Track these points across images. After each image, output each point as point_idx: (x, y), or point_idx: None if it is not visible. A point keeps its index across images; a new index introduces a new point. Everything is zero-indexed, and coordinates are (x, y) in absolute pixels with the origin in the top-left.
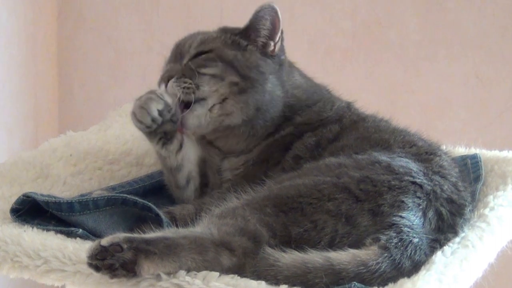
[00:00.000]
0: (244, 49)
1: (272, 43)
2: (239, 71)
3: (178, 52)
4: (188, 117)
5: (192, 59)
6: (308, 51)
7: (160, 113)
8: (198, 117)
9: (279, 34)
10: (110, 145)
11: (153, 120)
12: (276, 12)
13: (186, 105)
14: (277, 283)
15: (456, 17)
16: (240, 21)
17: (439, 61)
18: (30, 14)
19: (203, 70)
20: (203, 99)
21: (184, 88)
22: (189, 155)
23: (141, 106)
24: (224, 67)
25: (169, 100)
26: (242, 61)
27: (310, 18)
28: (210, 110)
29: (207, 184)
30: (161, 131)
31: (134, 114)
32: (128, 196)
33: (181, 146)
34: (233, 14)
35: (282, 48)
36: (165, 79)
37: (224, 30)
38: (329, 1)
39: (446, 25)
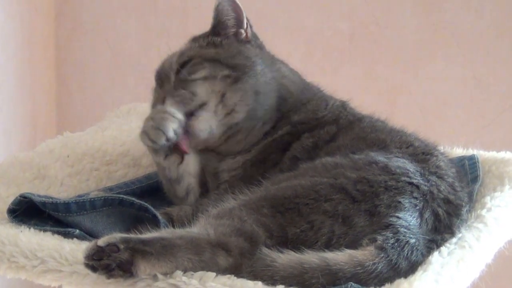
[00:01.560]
0: (220, 45)
1: (242, 31)
2: (226, 64)
3: (162, 76)
4: (196, 124)
5: (178, 73)
6: (306, 52)
7: (175, 131)
8: (207, 122)
9: (245, 20)
10: (107, 146)
11: (168, 139)
12: (233, 1)
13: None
14: (274, 284)
15: (453, 18)
16: None
17: (437, 62)
18: (27, 16)
19: (193, 76)
20: (204, 103)
21: (180, 99)
22: (189, 168)
23: (156, 127)
24: (211, 65)
25: (181, 117)
26: (225, 54)
27: (307, 19)
28: (215, 112)
29: (207, 192)
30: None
31: (146, 134)
32: (125, 196)
33: (182, 158)
34: None
35: (254, 34)
36: (161, 100)
37: (195, 38)
38: (326, 2)
39: (443, 26)
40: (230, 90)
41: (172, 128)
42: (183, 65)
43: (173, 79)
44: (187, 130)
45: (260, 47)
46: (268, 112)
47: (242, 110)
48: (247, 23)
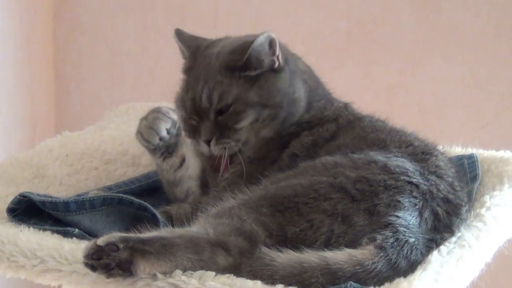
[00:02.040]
0: (257, 80)
1: (275, 59)
2: (267, 105)
3: (197, 108)
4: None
5: (219, 115)
6: (303, 51)
7: (168, 131)
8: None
9: (278, 49)
10: (106, 145)
11: (161, 139)
12: (270, 38)
13: None
14: (273, 283)
15: (451, 17)
16: (234, 23)
17: (435, 61)
18: (25, 16)
19: (240, 125)
20: (245, 142)
21: (227, 148)
22: (190, 173)
23: (149, 127)
24: (255, 110)
25: (175, 117)
26: (265, 94)
27: (304, 18)
28: (249, 143)
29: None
30: (165, 145)
31: (140, 134)
32: (124, 195)
33: (181, 164)
34: (228, 16)
35: (284, 53)
36: (206, 142)
37: (228, 68)
38: (324, 1)
39: (441, 25)
40: (267, 127)
41: (165, 127)
42: (224, 107)
43: (212, 118)
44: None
45: (288, 64)
46: (294, 123)
47: (270, 134)
48: (279, 50)
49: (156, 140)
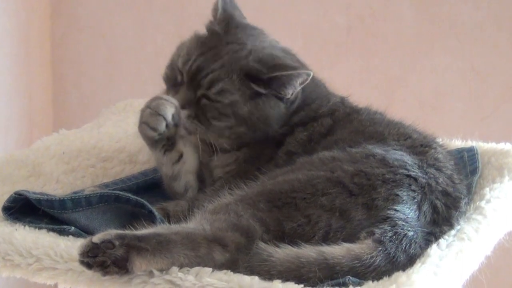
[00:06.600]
0: (259, 98)
1: (290, 93)
2: (248, 124)
3: (193, 77)
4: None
5: (207, 100)
6: (303, 45)
7: (173, 116)
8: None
9: (301, 87)
10: (103, 142)
11: (167, 125)
12: (308, 78)
13: None
14: (271, 278)
15: (451, 10)
16: None
17: (435, 54)
18: (23, 13)
19: (215, 123)
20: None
21: (190, 131)
22: (187, 167)
23: (155, 113)
24: (236, 122)
25: (177, 103)
26: (255, 115)
27: (304, 12)
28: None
29: (204, 186)
30: (166, 137)
31: (146, 124)
32: (121, 193)
33: (179, 158)
34: None
35: (297, 93)
36: (180, 102)
37: (247, 75)
38: None
39: (441, 18)
40: (228, 139)
41: (171, 113)
42: (215, 100)
43: (199, 95)
44: None
45: (292, 102)
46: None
47: (224, 145)
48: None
49: (163, 127)
